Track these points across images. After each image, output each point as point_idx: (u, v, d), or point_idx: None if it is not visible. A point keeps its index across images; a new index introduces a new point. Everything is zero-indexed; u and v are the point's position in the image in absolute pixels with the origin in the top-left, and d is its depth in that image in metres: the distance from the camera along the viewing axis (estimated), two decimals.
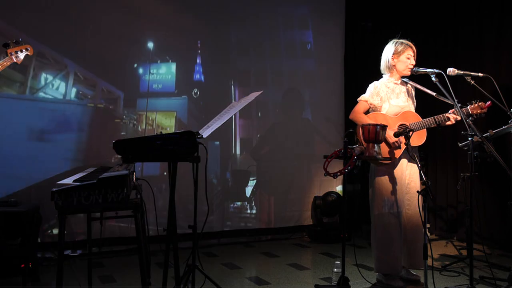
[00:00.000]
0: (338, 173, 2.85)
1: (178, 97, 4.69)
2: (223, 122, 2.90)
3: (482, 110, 3.07)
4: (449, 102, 2.99)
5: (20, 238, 3.13)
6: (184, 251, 3.26)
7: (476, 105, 3.08)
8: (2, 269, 3.07)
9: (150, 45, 4.57)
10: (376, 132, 2.91)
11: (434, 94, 3.10)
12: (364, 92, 3.32)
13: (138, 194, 2.47)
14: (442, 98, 3.06)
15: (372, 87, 3.26)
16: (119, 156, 2.49)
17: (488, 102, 3.06)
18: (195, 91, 4.75)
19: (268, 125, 5.16)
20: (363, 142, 3.01)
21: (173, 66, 4.68)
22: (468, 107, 3.08)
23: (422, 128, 3.13)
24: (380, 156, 2.99)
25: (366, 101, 3.25)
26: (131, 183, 2.34)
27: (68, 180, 2.27)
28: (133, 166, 2.67)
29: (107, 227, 4.11)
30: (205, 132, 2.76)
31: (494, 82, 2.94)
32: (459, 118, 3.08)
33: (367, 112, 3.27)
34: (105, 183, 2.12)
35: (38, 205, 3.42)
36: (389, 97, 3.21)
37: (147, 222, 2.67)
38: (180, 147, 2.43)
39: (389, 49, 3.26)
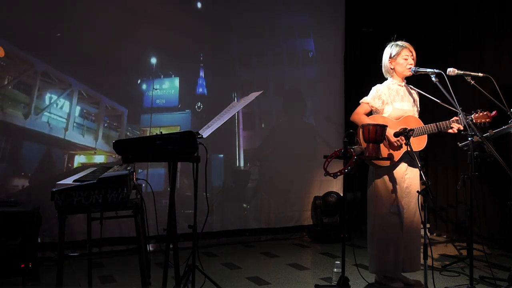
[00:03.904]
0: (338, 173, 2.84)
1: (182, 111, 4.70)
2: (223, 122, 2.90)
3: (488, 119, 3.02)
4: (453, 109, 2.95)
5: (20, 238, 3.13)
6: (184, 251, 3.26)
7: (481, 114, 3.02)
8: (2, 269, 3.07)
9: (153, 60, 4.56)
10: (376, 132, 2.91)
11: (439, 101, 3.06)
12: (364, 93, 3.32)
13: (138, 194, 2.47)
14: (447, 106, 3.03)
15: (374, 90, 3.25)
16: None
17: (494, 112, 3.02)
18: (199, 105, 4.76)
19: (271, 133, 5.18)
20: (363, 143, 3.01)
21: (176, 81, 4.68)
22: (473, 115, 3.03)
23: (423, 134, 3.11)
24: (380, 157, 2.99)
25: (368, 103, 3.24)
26: (131, 183, 2.34)
27: (68, 180, 2.27)
28: (133, 166, 2.67)
29: (107, 227, 4.11)
30: (205, 132, 2.76)
31: (494, 82, 2.93)
32: (462, 127, 3.03)
33: (369, 115, 3.27)
34: (105, 183, 2.12)
35: (38, 205, 3.42)
36: (393, 100, 3.19)
37: (147, 222, 2.67)
38: (180, 147, 2.42)
39: (386, 53, 3.26)
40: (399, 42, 3.24)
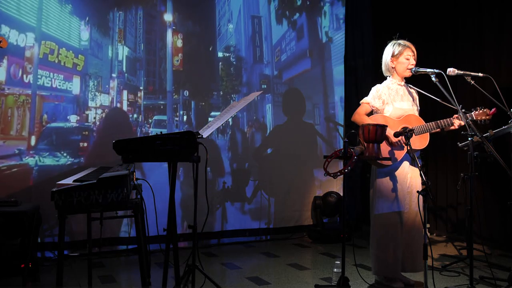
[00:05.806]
0: (338, 173, 2.85)
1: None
2: (223, 122, 2.90)
3: (487, 117, 3.01)
4: (453, 107, 2.95)
5: (20, 238, 3.13)
6: (184, 251, 3.26)
7: (481, 111, 3.02)
8: (2, 269, 3.07)
9: None
10: (376, 132, 2.91)
11: (438, 99, 3.05)
12: (365, 93, 3.31)
13: (138, 194, 2.47)
14: (446, 103, 3.02)
15: (374, 90, 3.25)
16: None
17: (493, 109, 3.01)
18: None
19: (271, 133, 5.18)
20: (363, 143, 3.01)
21: None
22: (473, 113, 3.03)
23: (425, 132, 3.10)
24: (380, 156, 2.99)
25: (368, 103, 3.24)
26: (131, 183, 2.34)
27: (68, 180, 2.27)
28: (133, 166, 2.67)
29: (107, 227, 4.11)
30: (205, 132, 2.76)
31: (494, 82, 2.93)
32: (463, 123, 3.02)
33: (370, 115, 3.27)
34: (105, 183, 2.12)
35: (38, 205, 3.42)
36: (393, 99, 3.19)
37: (147, 222, 2.67)
38: (180, 147, 2.43)
39: (388, 51, 3.24)
40: (401, 41, 3.22)
